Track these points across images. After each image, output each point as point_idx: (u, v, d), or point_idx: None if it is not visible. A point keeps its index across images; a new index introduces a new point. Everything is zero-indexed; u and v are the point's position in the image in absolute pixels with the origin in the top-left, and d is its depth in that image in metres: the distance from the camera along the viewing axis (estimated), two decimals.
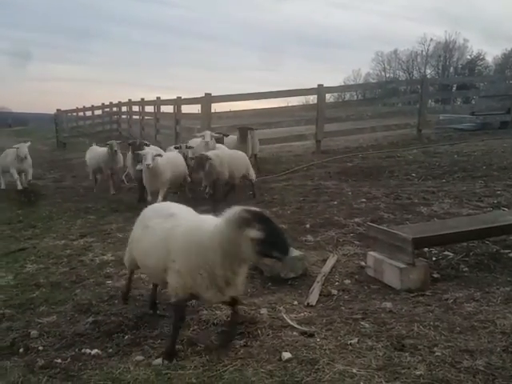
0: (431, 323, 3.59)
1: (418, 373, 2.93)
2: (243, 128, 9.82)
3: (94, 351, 3.44)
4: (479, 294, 3.99)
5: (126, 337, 3.65)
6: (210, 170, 7.36)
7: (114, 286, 4.68)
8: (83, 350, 3.47)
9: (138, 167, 7.49)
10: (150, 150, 7.52)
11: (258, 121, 13.47)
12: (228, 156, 7.86)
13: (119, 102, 23.69)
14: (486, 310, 3.77)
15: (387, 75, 58.97)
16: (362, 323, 3.67)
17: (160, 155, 7.41)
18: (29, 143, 8.96)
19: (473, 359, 3.05)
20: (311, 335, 3.51)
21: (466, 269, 4.66)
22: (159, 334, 3.66)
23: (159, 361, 3.26)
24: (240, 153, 8.31)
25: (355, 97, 46.87)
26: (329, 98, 14.44)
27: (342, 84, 48.14)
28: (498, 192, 7.72)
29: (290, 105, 15.20)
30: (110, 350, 3.47)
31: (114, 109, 24.78)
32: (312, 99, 14.25)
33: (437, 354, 3.15)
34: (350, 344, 3.33)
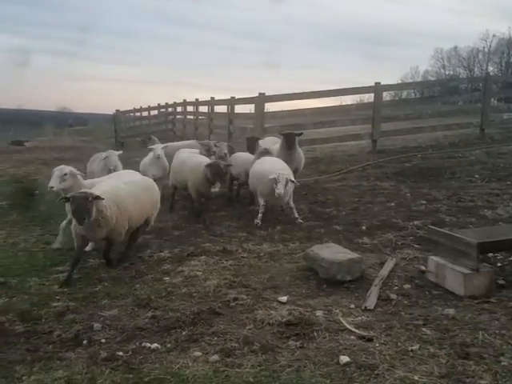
0: (497, 331, 3.48)
1: (483, 382, 2.86)
2: (288, 134, 8.26)
3: (154, 345, 3.52)
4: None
5: (184, 332, 3.71)
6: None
7: (171, 283, 4.78)
8: (143, 344, 3.57)
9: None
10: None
11: (312, 120, 13.34)
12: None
13: (174, 103, 24.15)
14: None
15: (447, 72, 56.84)
16: (424, 329, 3.58)
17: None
18: (119, 152, 7.97)
19: None
20: (370, 340, 3.45)
21: None
22: (215, 331, 3.69)
23: (216, 357, 3.29)
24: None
25: (412, 95, 45.43)
26: (385, 96, 14.03)
27: (400, 82, 46.79)
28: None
29: (344, 103, 14.82)
30: (169, 345, 3.53)
31: (170, 109, 25.31)
32: (367, 98, 13.89)
33: (503, 363, 3.06)
34: (411, 350, 3.26)
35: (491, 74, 23.55)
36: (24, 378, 3.16)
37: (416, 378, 2.92)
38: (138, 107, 29.51)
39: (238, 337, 3.58)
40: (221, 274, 4.95)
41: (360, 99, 29.21)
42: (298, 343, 3.47)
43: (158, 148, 8.50)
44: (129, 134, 24.48)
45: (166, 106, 25.70)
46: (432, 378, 2.90)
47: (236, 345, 3.46)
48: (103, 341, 3.66)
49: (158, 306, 4.23)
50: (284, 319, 3.81)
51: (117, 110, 25.06)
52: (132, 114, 29.09)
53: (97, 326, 3.88)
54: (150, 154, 8.63)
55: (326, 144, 13.12)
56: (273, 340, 3.52)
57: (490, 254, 4.92)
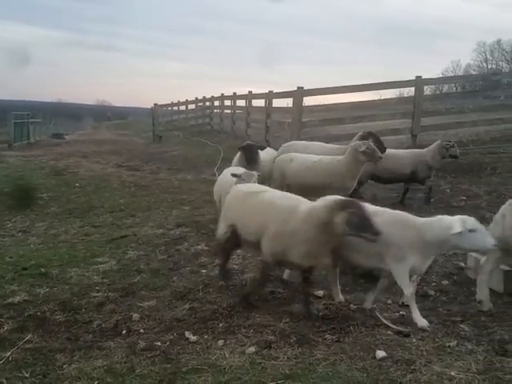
0: None
1: None
2: (247, 147, 6.77)
3: (192, 336, 3.57)
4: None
5: (221, 324, 3.76)
6: None
7: (208, 275, 4.83)
8: (181, 335, 3.62)
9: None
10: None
11: (351, 114, 13.15)
12: None
13: (212, 97, 24.33)
14: None
15: (489, 66, 54.90)
16: (462, 326, 3.59)
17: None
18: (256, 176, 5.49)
19: None
20: (407, 335, 3.45)
21: None
22: (252, 324, 3.72)
23: (253, 349, 3.32)
24: None
25: (453, 89, 44.13)
26: (425, 90, 13.66)
27: (441, 76, 45.53)
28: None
29: (383, 97, 14.54)
30: (206, 336, 3.58)
31: (207, 103, 25.51)
32: (407, 92, 13.58)
33: None
34: (449, 346, 3.26)
35: None
36: (65, 366, 3.24)
37: (453, 373, 2.91)
38: (176, 101, 29.88)
39: (274, 330, 3.60)
40: (257, 268, 4.96)
41: (400, 93, 28.60)
42: (334, 337, 3.48)
43: None
44: (167, 128, 24.82)
45: (204, 100, 25.90)
46: (469, 374, 2.90)
47: (272, 337, 3.49)
48: (142, 331, 3.73)
49: (195, 298, 4.29)
50: (320, 313, 3.83)
51: (155, 104, 25.44)
52: (170, 108, 29.46)
53: (135, 316, 3.95)
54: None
55: None
56: (309, 333, 3.53)
57: None
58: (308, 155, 6.87)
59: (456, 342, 3.31)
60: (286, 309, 3.98)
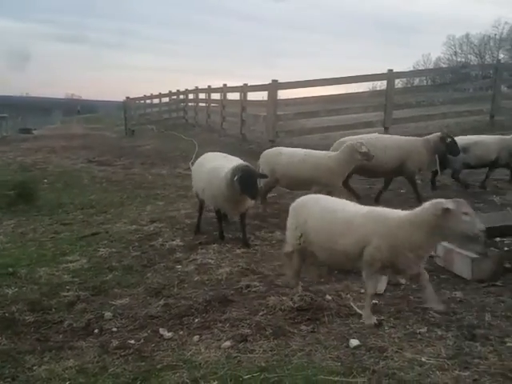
0: (502, 313, 3.60)
1: (489, 363, 2.92)
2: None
3: (166, 333, 3.53)
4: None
5: (196, 320, 3.72)
6: None
7: (183, 271, 4.78)
8: (156, 332, 3.57)
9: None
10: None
11: (325, 107, 13.22)
12: None
13: (186, 90, 24.09)
14: None
15: (458, 59, 56.00)
16: (431, 312, 3.66)
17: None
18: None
19: None
20: (379, 324, 3.50)
21: None
22: (228, 318, 3.70)
23: (228, 343, 3.31)
24: None
25: (424, 82, 44.87)
26: (397, 83, 13.84)
27: (412, 69, 46.20)
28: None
29: (357, 91, 14.63)
30: (181, 333, 3.54)
31: (181, 96, 25.24)
32: (380, 85, 13.72)
33: (508, 344, 3.15)
34: (419, 333, 3.34)
35: (502, 61, 23.30)
36: (35, 368, 3.15)
37: (424, 359, 2.98)
38: (149, 94, 29.44)
39: (250, 323, 3.59)
40: (233, 262, 4.95)
41: (373, 87, 28.92)
42: (309, 328, 3.50)
43: None
44: (140, 121, 24.42)
45: (178, 93, 25.64)
46: (439, 360, 2.97)
47: (248, 331, 3.48)
48: (114, 329, 3.66)
49: (170, 294, 4.24)
50: (296, 305, 3.83)
51: (127, 97, 25.00)
52: (143, 102, 29.01)
53: (108, 314, 3.88)
54: None
55: (339, 132, 12.99)
56: (285, 325, 3.54)
57: (498, 239, 4.92)
58: (296, 149, 6.97)
59: (426, 328, 3.39)
60: (262, 302, 3.96)
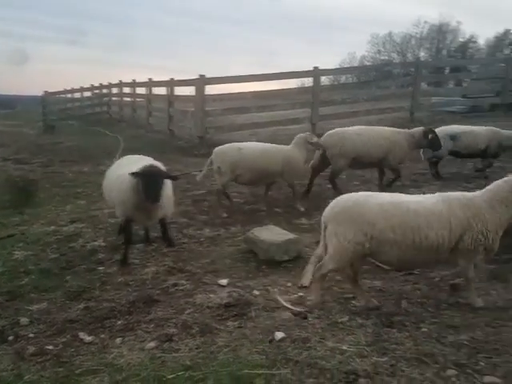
0: (418, 300, 3.79)
1: (405, 348, 3.05)
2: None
3: (87, 337, 3.40)
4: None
5: (119, 322, 3.61)
6: None
7: (105, 272, 4.61)
8: (75, 337, 3.42)
9: None
10: None
11: (254, 104, 13.29)
12: None
13: (109, 84, 23.25)
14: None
15: (382, 58, 58.54)
16: (353, 302, 3.80)
17: None
18: None
19: (457, 334, 3.22)
20: (305, 316, 3.56)
21: None
22: (153, 319, 3.62)
23: (153, 344, 3.24)
24: None
25: (351, 80, 46.51)
26: (323, 80, 14.24)
27: (338, 67, 47.69)
28: (487, 173, 7.92)
29: (286, 87, 14.86)
30: (103, 336, 3.42)
31: (104, 90, 24.35)
32: (307, 82, 14.01)
33: (423, 329, 3.30)
34: (341, 322, 3.44)
35: (422, 59, 24.77)
36: None
37: (344, 347, 3.08)
38: (70, 88, 28.10)
39: (176, 322, 3.54)
40: (160, 261, 4.85)
41: (301, 83, 29.49)
42: (236, 323, 3.50)
43: None
44: (60, 117, 23.21)
45: (101, 87, 24.69)
46: (359, 347, 3.08)
47: (174, 330, 3.42)
48: (31, 335, 3.48)
49: (91, 297, 4.08)
50: (223, 301, 3.83)
51: (45, 92, 23.71)
52: (63, 96, 27.69)
53: (24, 320, 3.68)
54: None
55: (269, 128, 13.13)
56: (212, 322, 3.52)
57: None
58: (253, 143, 6.99)
59: (348, 317, 3.50)
60: (189, 300, 3.91)
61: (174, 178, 4.95)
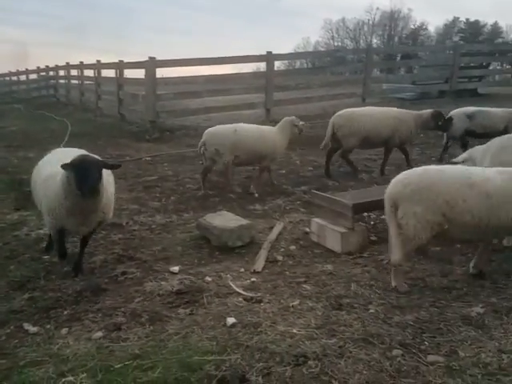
0: (367, 283, 3.87)
1: (353, 329, 3.13)
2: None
3: (31, 328, 3.29)
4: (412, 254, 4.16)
5: (65, 312, 3.51)
6: None
7: (51, 261, 4.45)
8: (19, 327, 3.32)
9: None
10: None
11: (208, 88, 13.11)
12: None
13: (56, 66, 22.32)
14: (417, 268, 4.13)
15: (335, 44, 59.15)
16: (304, 286, 3.84)
17: None
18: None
19: (403, 314, 3.32)
20: (258, 300, 3.59)
21: None
22: (100, 308, 3.54)
23: (100, 334, 3.17)
24: None
25: (305, 65, 46.76)
26: (279, 65, 14.27)
27: (292, 52, 47.80)
28: (433, 158, 8.19)
29: (240, 72, 14.70)
30: (48, 326, 3.32)
31: (51, 73, 23.36)
32: (263, 67, 13.91)
33: (371, 311, 3.39)
34: (292, 306, 3.48)
35: (374, 45, 25.26)
36: None
37: (295, 330, 3.13)
38: (15, 71, 26.82)
39: (124, 311, 3.48)
40: (108, 249, 4.74)
41: (257, 68, 29.36)
42: (187, 311, 3.48)
43: None
44: (4, 100, 22.11)
45: (47, 69, 23.68)
46: (309, 330, 3.13)
47: (123, 319, 3.36)
48: None
49: (35, 286, 3.93)
50: (174, 289, 3.79)
51: None
52: (8, 79, 26.43)
53: None
54: None
55: (223, 113, 12.99)
56: (162, 310, 3.48)
57: (366, 214, 5.37)
58: (244, 124, 6.93)
59: (299, 301, 3.55)
60: (139, 288, 3.85)
61: (113, 167, 4.10)
